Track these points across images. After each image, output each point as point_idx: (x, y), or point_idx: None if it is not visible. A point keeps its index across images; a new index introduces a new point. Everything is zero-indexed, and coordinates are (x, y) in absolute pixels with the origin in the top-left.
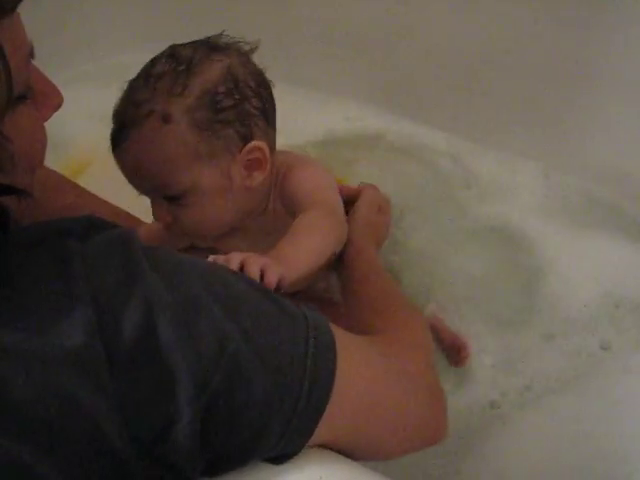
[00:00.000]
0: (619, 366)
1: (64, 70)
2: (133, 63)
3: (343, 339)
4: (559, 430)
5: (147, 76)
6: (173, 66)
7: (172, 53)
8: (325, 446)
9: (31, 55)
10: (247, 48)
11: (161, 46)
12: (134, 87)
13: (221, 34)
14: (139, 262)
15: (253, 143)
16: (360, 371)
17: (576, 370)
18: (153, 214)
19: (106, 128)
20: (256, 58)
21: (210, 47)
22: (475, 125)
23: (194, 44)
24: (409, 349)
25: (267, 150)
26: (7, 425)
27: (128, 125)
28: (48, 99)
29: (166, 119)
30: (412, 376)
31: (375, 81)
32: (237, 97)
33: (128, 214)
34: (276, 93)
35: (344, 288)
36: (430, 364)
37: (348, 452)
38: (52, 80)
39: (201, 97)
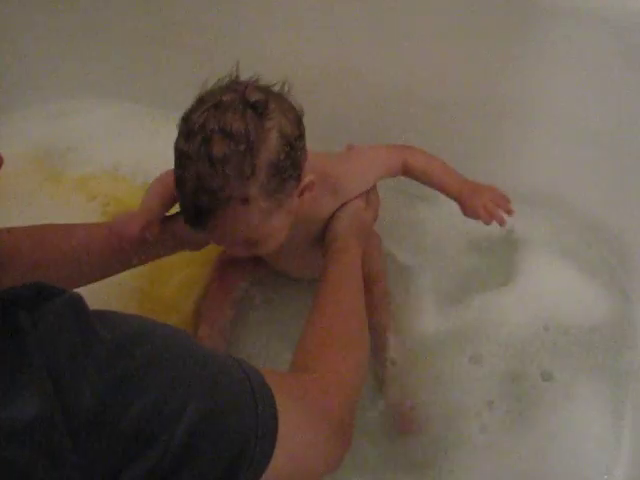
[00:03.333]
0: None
1: None
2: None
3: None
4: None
5: (211, 161)
6: (233, 147)
7: (223, 128)
8: None
9: None
10: (278, 89)
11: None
12: (202, 174)
13: (234, 77)
14: (93, 329)
15: (306, 180)
16: (289, 442)
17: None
18: (227, 251)
19: None
20: None
21: (255, 112)
22: None
23: (235, 108)
24: (330, 389)
25: (313, 177)
26: None
27: (208, 212)
28: None
29: (244, 202)
30: (328, 417)
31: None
32: (292, 153)
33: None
34: None
35: (316, 289)
36: (348, 402)
37: None
38: None
39: (269, 171)
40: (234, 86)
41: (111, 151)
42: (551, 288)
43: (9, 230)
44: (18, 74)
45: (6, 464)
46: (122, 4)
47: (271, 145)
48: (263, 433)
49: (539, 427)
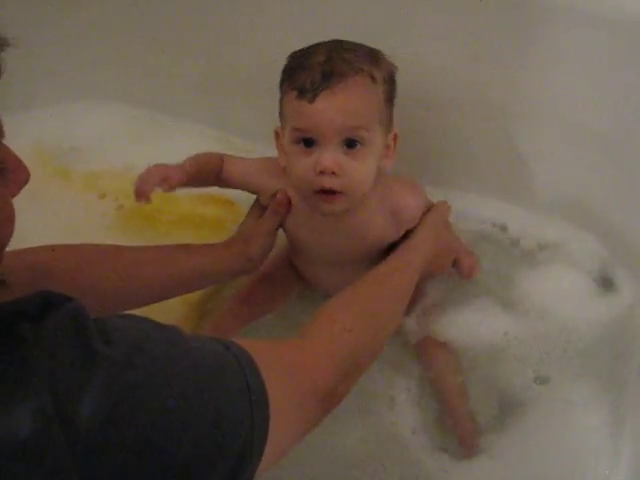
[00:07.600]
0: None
1: None
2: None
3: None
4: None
5: (343, 47)
6: (358, 47)
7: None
8: None
9: (1, 134)
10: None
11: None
12: (334, 49)
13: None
14: (92, 342)
15: (395, 130)
16: (277, 431)
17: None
18: (322, 162)
19: None
20: None
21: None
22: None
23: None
24: (319, 357)
25: (397, 132)
26: None
27: (338, 75)
28: (15, 175)
29: (373, 79)
30: (314, 387)
31: None
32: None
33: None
34: None
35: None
36: (340, 374)
37: None
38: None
39: (389, 74)
40: None
41: (118, 153)
42: (547, 294)
43: (53, 248)
44: (20, 76)
45: None
46: (129, 7)
47: (386, 64)
48: (259, 439)
49: (534, 432)
